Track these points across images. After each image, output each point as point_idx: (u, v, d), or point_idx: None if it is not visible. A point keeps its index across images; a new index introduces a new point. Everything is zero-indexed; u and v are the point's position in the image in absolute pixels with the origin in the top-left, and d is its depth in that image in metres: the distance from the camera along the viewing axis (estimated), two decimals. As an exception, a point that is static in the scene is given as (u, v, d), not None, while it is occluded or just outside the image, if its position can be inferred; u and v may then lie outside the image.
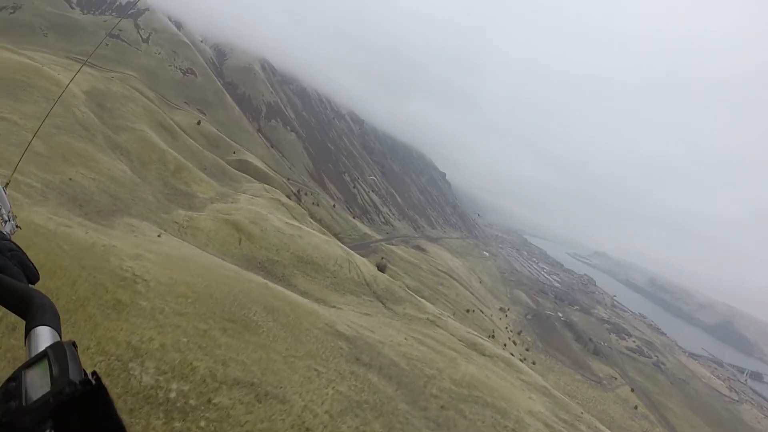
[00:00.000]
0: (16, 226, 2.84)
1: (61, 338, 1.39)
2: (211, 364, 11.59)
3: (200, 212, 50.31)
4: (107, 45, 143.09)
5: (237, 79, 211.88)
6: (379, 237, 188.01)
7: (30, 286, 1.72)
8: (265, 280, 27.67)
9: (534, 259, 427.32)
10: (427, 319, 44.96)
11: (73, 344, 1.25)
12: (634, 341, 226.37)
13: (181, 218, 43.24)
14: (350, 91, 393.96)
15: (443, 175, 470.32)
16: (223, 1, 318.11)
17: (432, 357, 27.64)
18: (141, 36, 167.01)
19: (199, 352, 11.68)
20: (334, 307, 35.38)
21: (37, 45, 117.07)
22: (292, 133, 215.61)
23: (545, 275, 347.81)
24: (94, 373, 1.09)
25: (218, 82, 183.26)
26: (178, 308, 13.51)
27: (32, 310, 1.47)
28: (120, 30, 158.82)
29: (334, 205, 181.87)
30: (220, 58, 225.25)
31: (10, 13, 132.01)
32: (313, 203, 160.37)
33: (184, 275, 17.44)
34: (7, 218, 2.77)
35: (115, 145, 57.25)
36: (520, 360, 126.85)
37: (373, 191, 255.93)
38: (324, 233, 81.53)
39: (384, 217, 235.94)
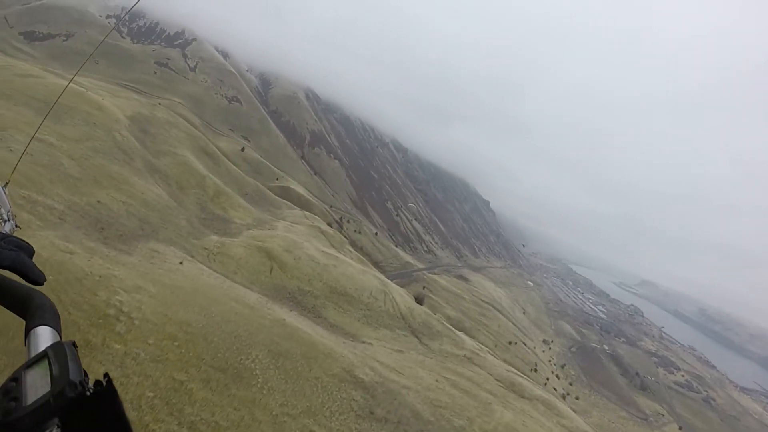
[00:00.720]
0: (16, 226, 2.87)
1: (61, 338, 1.39)
2: (173, 427, 9.52)
3: (234, 238, 49.58)
4: (155, 73, 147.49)
5: (282, 107, 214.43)
6: (421, 266, 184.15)
7: (30, 286, 1.71)
8: (284, 317, 25.37)
9: (579, 288, 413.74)
10: (464, 356, 42.20)
11: (74, 344, 1.25)
12: (682, 375, 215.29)
13: (212, 244, 42.28)
14: (393, 120, 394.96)
15: (487, 203, 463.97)
16: (269, 32, 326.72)
17: (464, 403, 25.04)
18: (188, 65, 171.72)
19: (162, 411, 9.62)
20: (363, 342, 33.19)
21: (89, 72, 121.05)
22: (336, 161, 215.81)
23: (590, 305, 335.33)
24: (106, 374, 1.10)
25: (263, 110, 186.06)
26: (157, 353, 11.61)
27: (32, 310, 1.48)
28: (168, 59, 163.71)
29: (376, 233, 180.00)
30: (265, 86, 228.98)
31: (63, 40, 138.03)
32: (355, 231, 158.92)
33: (181, 312, 15.61)
34: (6, 218, 2.85)
35: (154, 169, 57.25)
36: (563, 396, 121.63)
37: (416, 219, 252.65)
38: (362, 262, 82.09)
39: (427, 246, 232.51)
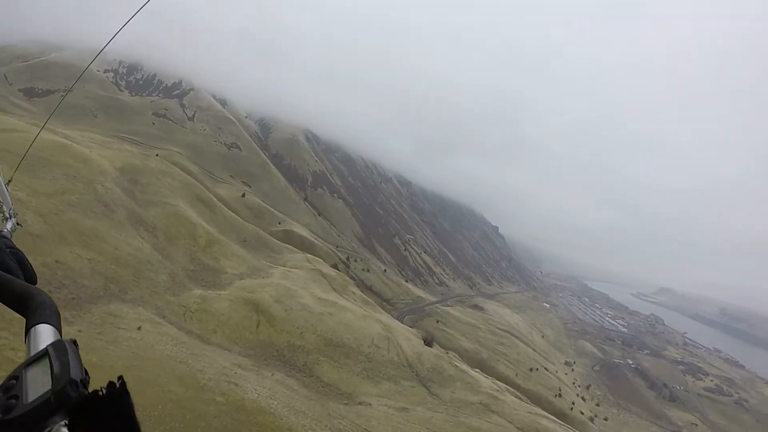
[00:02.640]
0: (17, 224, 2.92)
1: (61, 336, 1.38)
2: None
3: (221, 291, 46.12)
4: (154, 124, 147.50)
5: (282, 151, 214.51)
6: (433, 299, 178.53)
7: (29, 284, 1.70)
8: (246, 395, 21.15)
9: (596, 304, 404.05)
10: (480, 402, 38.04)
11: (74, 342, 1.24)
12: (711, 380, 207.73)
13: (192, 300, 38.63)
14: (396, 154, 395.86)
15: (496, 228, 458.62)
16: (266, 76, 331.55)
17: None
18: (186, 114, 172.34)
19: None
20: (360, 403, 29.37)
21: (88, 125, 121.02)
22: (340, 200, 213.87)
23: (609, 320, 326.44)
24: (120, 377, 1.09)
25: (263, 155, 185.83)
26: None
27: (32, 308, 1.48)
28: (166, 109, 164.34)
29: (385, 270, 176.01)
30: (264, 131, 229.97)
31: (62, 96, 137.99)
32: (363, 269, 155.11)
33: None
34: (8, 215, 2.91)
35: (139, 220, 54.23)
36: (591, 419, 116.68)
37: (425, 252, 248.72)
38: (367, 304, 78.22)
39: (438, 278, 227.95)
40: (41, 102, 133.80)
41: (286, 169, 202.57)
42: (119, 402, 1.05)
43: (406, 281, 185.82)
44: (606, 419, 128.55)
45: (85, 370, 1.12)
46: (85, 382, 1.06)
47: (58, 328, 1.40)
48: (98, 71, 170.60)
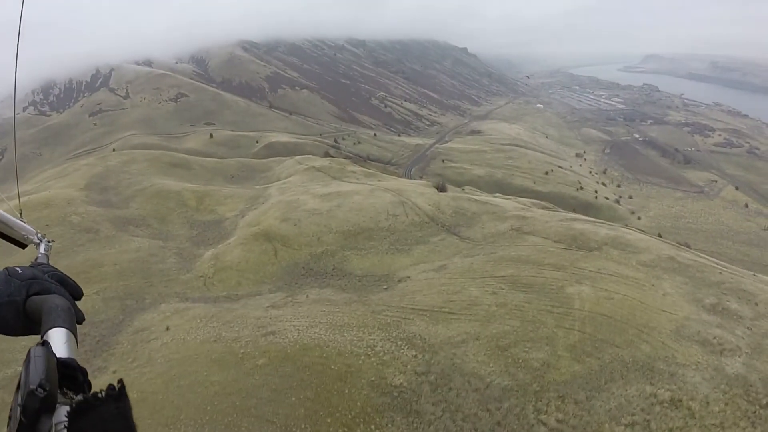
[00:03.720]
0: (49, 242, 2.98)
1: (43, 340, 1.43)
2: None
3: (229, 239, 46.47)
4: (95, 124, 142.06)
5: (227, 74, 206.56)
6: (431, 141, 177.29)
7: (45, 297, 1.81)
8: (284, 342, 21.77)
9: (587, 90, 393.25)
10: (511, 228, 38.35)
11: (44, 343, 1.29)
12: (719, 135, 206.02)
13: (206, 266, 39.34)
14: (336, 21, 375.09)
15: (465, 50, 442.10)
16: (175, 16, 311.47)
17: (533, 311, 21.48)
18: (119, 95, 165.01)
19: None
20: (399, 281, 29.91)
21: (38, 164, 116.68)
22: (303, 90, 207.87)
23: (605, 101, 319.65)
24: (120, 380, 1.16)
25: (211, 88, 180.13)
26: None
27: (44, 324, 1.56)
28: (99, 104, 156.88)
29: (374, 134, 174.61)
30: (201, 65, 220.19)
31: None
32: (355, 143, 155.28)
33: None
34: (38, 240, 2.94)
35: (126, 222, 53.53)
36: (617, 201, 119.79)
37: (405, 100, 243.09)
38: (369, 176, 78.09)
39: (427, 120, 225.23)
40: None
41: (239, 88, 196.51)
42: (117, 404, 1.11)
43: (399, 135, 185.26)
44: (630, 197, 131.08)
45: (60, 367, 1.17)
46: (44, 385, 1.07)
47: (70, 330, 1.47)
48: (19, 114, 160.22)
